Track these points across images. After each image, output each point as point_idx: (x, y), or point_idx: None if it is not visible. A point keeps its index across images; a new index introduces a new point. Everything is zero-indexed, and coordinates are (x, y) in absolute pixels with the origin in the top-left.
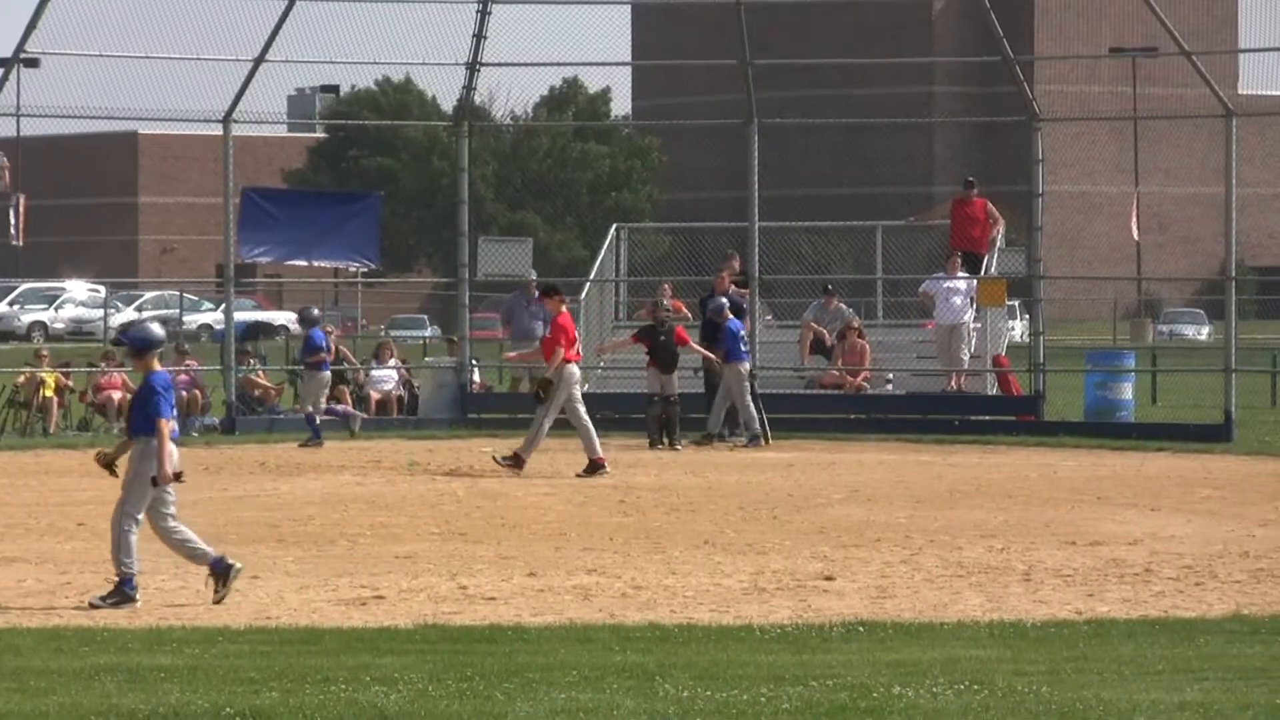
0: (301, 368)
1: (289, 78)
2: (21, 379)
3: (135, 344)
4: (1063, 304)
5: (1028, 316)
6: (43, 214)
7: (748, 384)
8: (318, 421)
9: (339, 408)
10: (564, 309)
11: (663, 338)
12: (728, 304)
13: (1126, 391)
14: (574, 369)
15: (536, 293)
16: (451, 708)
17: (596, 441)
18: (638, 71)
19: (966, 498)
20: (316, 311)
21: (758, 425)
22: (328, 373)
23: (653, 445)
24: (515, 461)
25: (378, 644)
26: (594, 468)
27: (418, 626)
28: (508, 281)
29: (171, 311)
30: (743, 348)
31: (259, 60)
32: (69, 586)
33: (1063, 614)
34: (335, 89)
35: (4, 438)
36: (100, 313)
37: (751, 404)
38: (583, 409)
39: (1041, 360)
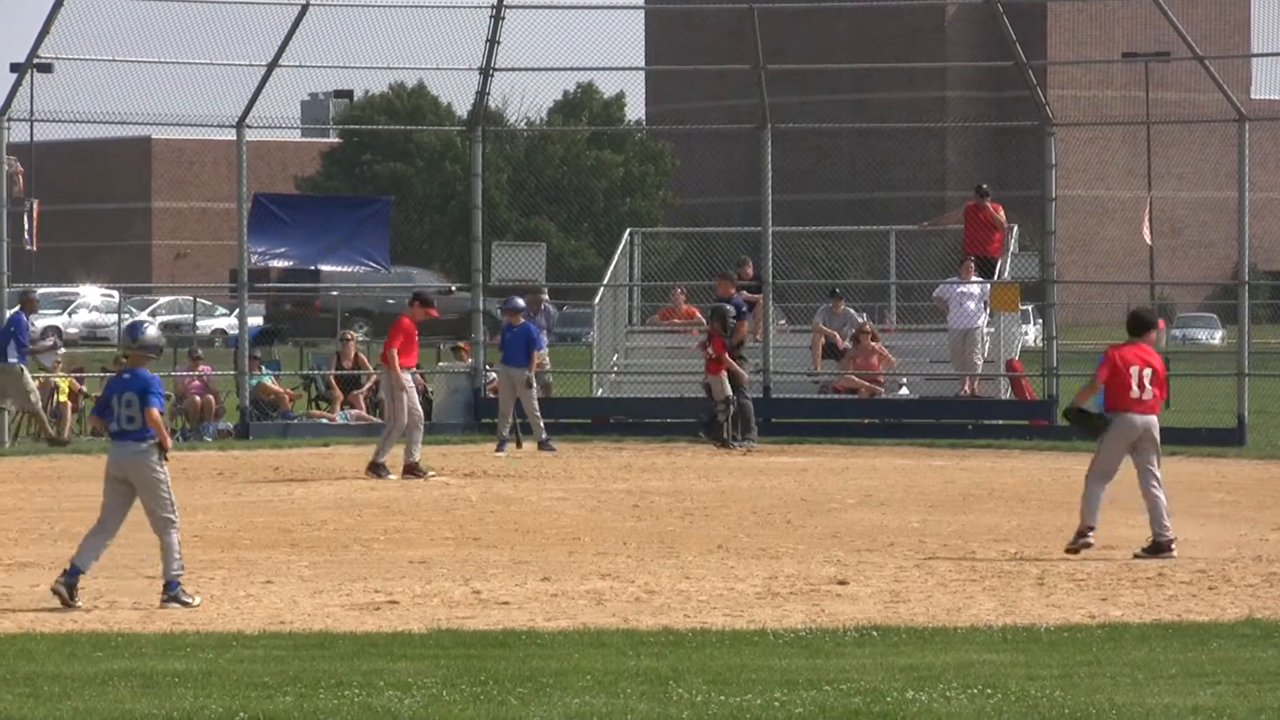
0: None
1: (303, 83)
2: (35, 384)
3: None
4: (1076, 308)
5: (1041, 321)
6: (56, 219)
7: (533, 390)
8: None
9: None
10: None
11: None
12: (733, 309)
13: None
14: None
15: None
16: (465, 712)
17: (385, 447)
18: (651, 76)
19: (980, 502)
20: None
21: (508, 431)
22: None
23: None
24: (383, 470)
25: (391, 649)
26: (377, 469)
27: (431, 631)
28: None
29: (185, 316)
30: (523, 354)
31: (272, 65)
32: (82, 592)
33: (1076, 618)
34: (349, 94)
35: (18, 443)
36: (114, 318)
37: (523, 411)
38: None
39: (1055, 365)
